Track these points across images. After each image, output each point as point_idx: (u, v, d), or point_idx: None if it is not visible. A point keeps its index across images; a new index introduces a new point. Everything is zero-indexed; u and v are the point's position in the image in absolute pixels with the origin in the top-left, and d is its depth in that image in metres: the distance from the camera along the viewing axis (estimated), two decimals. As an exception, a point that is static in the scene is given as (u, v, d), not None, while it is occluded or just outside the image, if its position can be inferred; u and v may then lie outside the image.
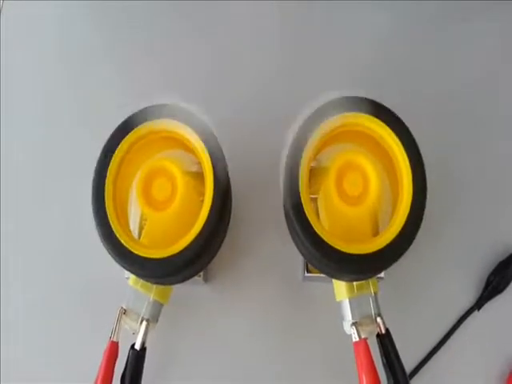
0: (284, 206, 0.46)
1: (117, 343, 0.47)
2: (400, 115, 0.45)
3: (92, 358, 0.46)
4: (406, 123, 0.45)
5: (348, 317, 0.47)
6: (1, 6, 0.67)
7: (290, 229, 0.47)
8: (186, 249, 0.42)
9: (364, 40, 0.65)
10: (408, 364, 0.51)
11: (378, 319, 0.47)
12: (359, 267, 0.42)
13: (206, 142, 0.45)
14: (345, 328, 0.48)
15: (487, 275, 0.56)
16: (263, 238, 0.57)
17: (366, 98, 0.45)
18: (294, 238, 0.47)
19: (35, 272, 0.58)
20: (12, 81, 0.65)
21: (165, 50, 0.65)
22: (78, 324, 0.56)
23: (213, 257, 0.49)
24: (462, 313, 0.55)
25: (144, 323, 0.47)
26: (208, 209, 0.43)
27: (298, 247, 0.47)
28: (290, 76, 0.64)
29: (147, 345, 0.48)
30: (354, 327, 0.46)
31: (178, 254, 0.42)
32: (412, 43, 0.65)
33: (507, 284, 0.56)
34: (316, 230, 0.42)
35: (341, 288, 0.48)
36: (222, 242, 0.49)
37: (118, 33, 0.66)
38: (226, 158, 0.45)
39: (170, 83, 0.64)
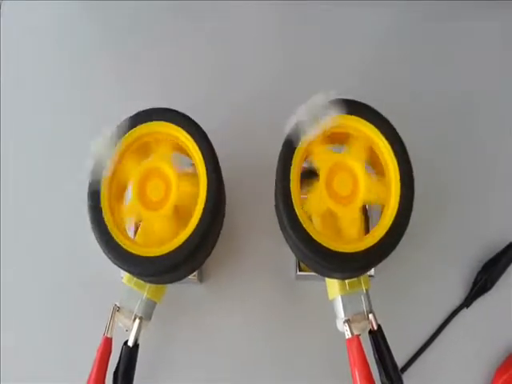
0: (276, 206, 0.47)
1: (110, 339, 0.48)
2: (396, 115, 0.46)
3: (89, 357, 0.47)
4: (400, 122, 0.46)
5: (341, 314, 0.48)
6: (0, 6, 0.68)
7: (282, 229, 0.47)
8: (180, 248, 0.43)
9: (363, 40, 0.66)
10: (399, 360, 0.52)
11: (370, 316, 0.48)
12: (349, 265, 0.43)
13: (199, 143, 0.46)
14: (338, 325, 0.48)
15: (475, 274, 0.57)
16: (256, 239, 0.58)
17: (354, 101, 0.46)
18: (286, 238, 0.47)
19: (33, 273, 0.58)
20: (12, 80, 0.65)
21: (164, 51, 0.66)
22: (76, 323, 0.56)
23: (206, 257, 0.50)
24: (451, 310, 0.56)
25: (137, 321, 0.48)
26: (201, 209, 0.44)
27: (290, 246, 0.48)
28: (288, 78, 0.65)
29: (141, 343, 0.48)
30: (346, 324, 0.47)
31: (171, 252, 0.43)
32: (411, 43, 0.67)
33: (494, 282, 0.57)
34: (307, 229, 0.43)
35: (333, 286, 0.49)
36: (215, 241, 0.50)
37: (117, 34, 0.68)
38: (222, 159, 0.46)
39: (169, 85, 0.65)
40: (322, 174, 0.45)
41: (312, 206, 0.51)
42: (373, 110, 0.46)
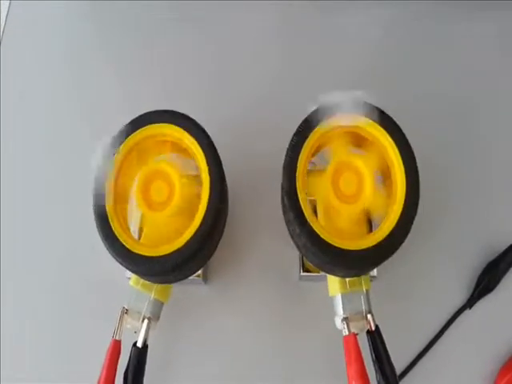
0: (282, 204, 0.47)
1: (119, 342, 0.48)
2: (396, 115, 0.46)
3: (95, 359, 0.47)
4: (401, 123, 0.46)
5: (339, 312, 0.48)
6: (8, 8, 0.68)
7: (287, 227, 0.48)
8: (184, 247, 0.44)
9: (363, 40, 0.67)
10: (401, 362, 0.52)
11: (369, 316, 0.48)
12: (353, 262, 0.44)
13: (202, 145, 0.46)
14: (336, 323, 0.49)
15: (478, 275, 0.57)
16: (261, 239, 0.58)
17: (360, 101, 0.46)
18: (291, 235, 0.48)
19: (38, 273, 0.58)
20: (12, 80, 0.66)
21: (164, 51, 0.67)
22: (81, 325, 0.56)
23: (210, 256, 0.50)
24: (453, 311, 0.56)
25: (145, 321, 0.48)
26: (205, 209, 0.44)
27: (295, 244, 0.48)
28: (289, 78, 0.65)
29: (149, 343, 0.48)
30: (344, 322, 0.47)
31: (175, 251, 0.43)
32: (411, 44, 0.67)
33: (497, 283, 0.57)
34: (313, 226, 0.44)
35: (334, 284, 0.49)
36: (218, 241, 0.50)
37: (117, 34, 0.68)
38: (225, 159, 0.47)
39: (169, 85, 0.65)
40: (329, 173, 0.45)
41: (319, 205, 0.51)
42: (379, 110, 0.46)
